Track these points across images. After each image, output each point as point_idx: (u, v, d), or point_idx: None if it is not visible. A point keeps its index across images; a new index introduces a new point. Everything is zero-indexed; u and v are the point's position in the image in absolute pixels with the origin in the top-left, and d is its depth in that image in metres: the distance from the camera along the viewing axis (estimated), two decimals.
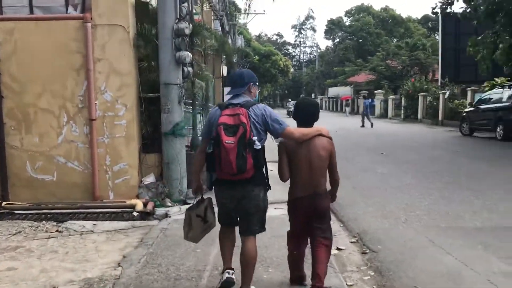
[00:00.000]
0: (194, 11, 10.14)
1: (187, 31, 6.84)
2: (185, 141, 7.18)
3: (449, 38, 30.19)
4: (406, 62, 43.30)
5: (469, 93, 23.64)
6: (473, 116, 18.17)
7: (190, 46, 7.60)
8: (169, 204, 6.81)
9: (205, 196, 3.88)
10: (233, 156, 3.19)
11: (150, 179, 7.17)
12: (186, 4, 7.03)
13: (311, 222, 3.62)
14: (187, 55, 6.84)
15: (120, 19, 6.81)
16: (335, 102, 60.14)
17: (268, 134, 3.54)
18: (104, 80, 6.87)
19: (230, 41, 27.84)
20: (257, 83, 3.69)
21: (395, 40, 64.24)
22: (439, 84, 29.78)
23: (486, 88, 23.29)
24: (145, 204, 6.67)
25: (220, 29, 23.86)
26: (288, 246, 3.84)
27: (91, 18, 6.78)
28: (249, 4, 12.81)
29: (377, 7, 75.13)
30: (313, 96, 77.53)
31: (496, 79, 23.77)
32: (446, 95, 26.19)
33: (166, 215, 6.47)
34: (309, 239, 3.74)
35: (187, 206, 6.75)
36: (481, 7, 15.96)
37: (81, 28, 6.78)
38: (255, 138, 3.31)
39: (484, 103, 17.71)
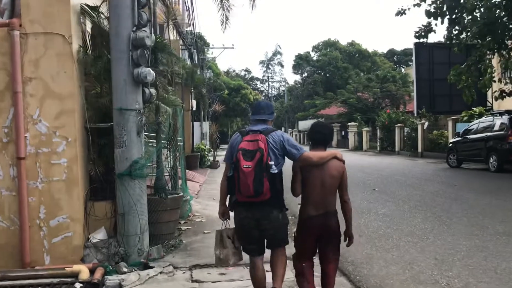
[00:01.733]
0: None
1: (148, 42, 5.27)
2: (146, 183, 5.49)
3: (423, 68, 29.60)
4: (378, 94, 42.85)
5: (450, 123, 22.73)
6: (461, 147, 17.05)
7: (153, 64, 6.04)
8: (125, 269, 5.05)
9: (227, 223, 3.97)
10: (250, 179, 3.39)
11: (100, 235, 5.44)
12: (146, 9, 5.50)
13: (322, 240, 3.71)
14: (148, 72, 5.25)
15: (60, 27, 5.23)
16: (305, 135, 59.18)
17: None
18: (37, 106, 5.22)
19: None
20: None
21: (362, 74, 64.36)
22: (415, 114, 28.97)
23: (465, 118, 22.57)
24: (92, 271, 4.95)
25: (188, 60, 22.51)
26: (296, 266, 3.86)
27: (20, 25, 5.17)
28: (226, 16, 11.00)
29: (343, 41, 75.73)
30: (282, 129, 76.75)
31: (474, 108, 23.14)
32: (425, 126, 25.29)
33: (120, 287, 4.73)
34: (318, 256, 3.81)
35: (148, 271, 5.09)
36: (473, 28, 15.08)
37: (7, 38, 5.15)
38: (271, 162, 3.50)
39: (472, 133, 16.65)
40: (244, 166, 3.40)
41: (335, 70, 69.10)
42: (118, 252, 5.24)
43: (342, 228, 3.83)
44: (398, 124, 29.11)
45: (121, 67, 5.23)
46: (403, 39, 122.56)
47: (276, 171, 3.54)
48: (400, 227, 7.07)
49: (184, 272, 5.14)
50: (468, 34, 16.02)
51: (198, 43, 40.50)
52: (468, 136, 16.70)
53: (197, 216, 8.10)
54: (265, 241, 3.77)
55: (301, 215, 3.74)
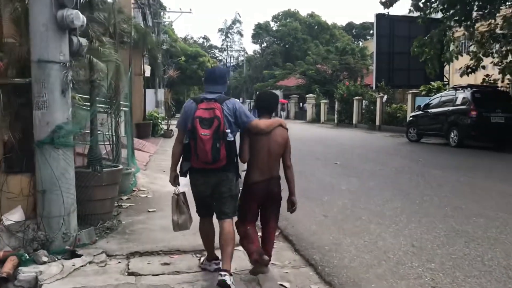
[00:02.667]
0: None
1: None
2: (73, 154, 4.49)
3: (383, 41, 29.15)
4: (337, 66, 42.37)
5: (409, 97, 22.47)
6: (422, 121, 16.72)
7: (88, 9, 4.98)
8: (45, 258, 4.10)
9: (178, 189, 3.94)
10: (208, 147, 3.45)
11: (15, 216, 4.44)
12: None
13: (265, 204, 3.89)
14: (76, 16, 4.20)
15: None
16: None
17: None
18: None
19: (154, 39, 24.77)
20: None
21: (316, 48, 63.73)
22: (374, 87, 28.68)
23: (423, 92, 22.40)
24: (2, 261, 3.98)
25: (142, 22, 20.99)
26: (239, 230, 3.89)
27: None
28: None
29: (303, 13, 74.78)
30: (240, 100, 75.59)
31: (432, 83, 23.02)
32: (384, 99, 25.01)
33: (36, 282, 3.80)
34: (260, 220, 4.02)
35: (75, 261, 4.16)
36: None
37: None
38: (228, 130, 3.57)
39: (433, 107, 16.32)
40: (202, 134, 3.45)
41: (294, 41, 68.33)
42: (38, 237, 4.27)
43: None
44: (357, 97, 28.79)
45: (41, 7, 4.14)
46: (362, 13, 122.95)
47: (232, 139, 3.64)
48: (368, 206, 6.42)
49: (119, 262, 4.25)
50: (435, 4, 15.50)
51: (153, 5, 38.47)
52: (429, 110, 16.38)
53: (143, 191, 7.17)
54: (216, 208, 3.80)
55: (247, 180, 3.87)
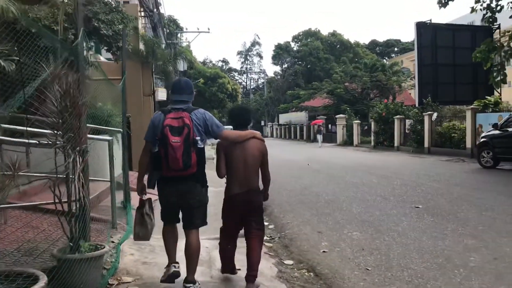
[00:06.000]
0: None
1: None
2: None
3: (425, 53, 25.88)
4: (367, 84, 39.08)
5: (468, 114, 19.03)
6: (501, 142, 13.30)
7: None
8: None
9: (145, 197, 4.00)
10: (179, 154, 3.49)
11: None
12: None
13: (246, 215, 4.00)
14: None
15: None
16: (287, 129, 55.35)
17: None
18: None
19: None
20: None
21: (343, 66, 60.80)
22: (417, 104, 25.28)
23: (479, 108, 19.18)
24: None
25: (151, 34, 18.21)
26: (221, 241, 4.16)
27: None
28: None
29: (324, 32, 72.36)
30: (262, 123, 72.71)
31: (488, 97, 19.84)
32: (434, 117, 21.62)
33: None
34: (243, 231, 4.07)
35: None
36: None
37: None
38: (198, 138, 3.63)
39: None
40: (173, 141, 3.47)
41: (316, 61, 65.88)
42: None
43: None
44: (398, 116, 25.39)
45: None
46: (385, 31, 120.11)
47: (202, 146, 3.67)
48: None
49: None
50: None
51: (170, 26, 35.92)
52: (511, 129, 12.99)
53: (127, 284, 4.01)
54: (185, 218, 3.81)
55: (227, 192, 4.03)
